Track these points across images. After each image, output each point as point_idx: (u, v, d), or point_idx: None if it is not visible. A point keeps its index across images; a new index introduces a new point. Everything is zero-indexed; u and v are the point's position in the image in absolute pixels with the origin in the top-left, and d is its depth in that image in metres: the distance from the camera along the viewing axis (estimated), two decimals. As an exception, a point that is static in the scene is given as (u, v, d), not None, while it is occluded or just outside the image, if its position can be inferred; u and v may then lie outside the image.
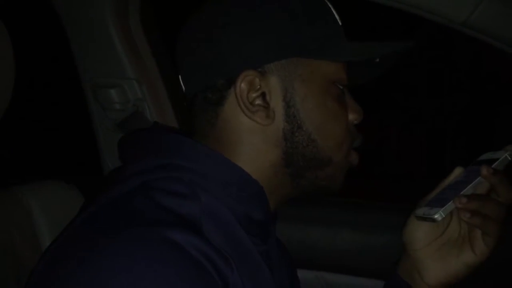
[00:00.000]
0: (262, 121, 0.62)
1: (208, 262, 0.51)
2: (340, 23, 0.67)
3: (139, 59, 1.12)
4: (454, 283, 0.68)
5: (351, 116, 0.69)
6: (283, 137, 0.64)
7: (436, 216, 0.62)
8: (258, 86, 0.62)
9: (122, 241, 0.49)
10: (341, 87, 0.67)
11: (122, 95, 1.11)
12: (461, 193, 0.63)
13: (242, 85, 0.62)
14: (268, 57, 0.62)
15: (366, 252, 1.21)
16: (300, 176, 0.66)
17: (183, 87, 0.69)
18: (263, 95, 0.63)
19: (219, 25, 0.63)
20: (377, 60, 0.69)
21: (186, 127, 0.70)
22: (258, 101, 0.63)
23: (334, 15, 0.67)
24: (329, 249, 1.22)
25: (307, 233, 1.26)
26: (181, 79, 0.69)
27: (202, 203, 0.58)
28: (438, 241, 0.69)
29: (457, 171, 0.69)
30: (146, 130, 0.70)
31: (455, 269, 0.67)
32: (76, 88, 1.19)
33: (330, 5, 0.68)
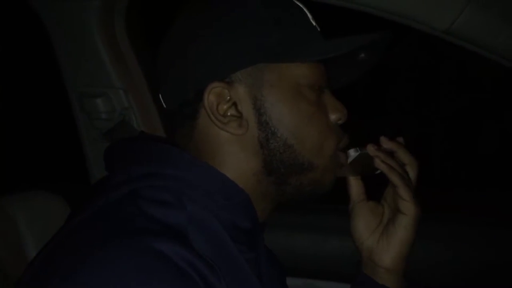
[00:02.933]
0: (235, 131, 0.62)
1: (195, 272, 0.50)
2: (314, 24, 0.66)
3: (125, 68, 1.12)
4: (406, 254, 0.71)
5: (333, 116, 0.67)
6: (259, 145, 0.63)
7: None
8: (228, 97, 0.62)
9: (108, 252, 0.49)
10: (317, 88, 0.66)
11: (108, 105, 1.10)
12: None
13: (210, 97, 0.61)
14: (233, 66, 0.62)
15: (356, 259, 1.21)
16: (284, 183, 0.66)
17: (163, 104, 0.69)
18: (235, 105, 0.62)
19: (187, 39, 0.64)
20: (360, 57, 0.68)
21: (172, 136, 0.70)
22: (231, 112, 0.62)
23: (306, 16, 0.66)
24: (318, 256, 1.23)
25: (296, 240, 1.26)
26: (161, 96, 0.69)
27: (188, 212, 0.58)
28: (379, 228, 0.74)
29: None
30: (132, 139, 0.70)
31: (399, 238, 0.70)
32: (62, 97, 1.18)
33: (302, 7, 0.67)
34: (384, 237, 0.72)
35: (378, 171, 0.70)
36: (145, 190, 0.58)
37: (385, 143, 0.72)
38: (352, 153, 0.70)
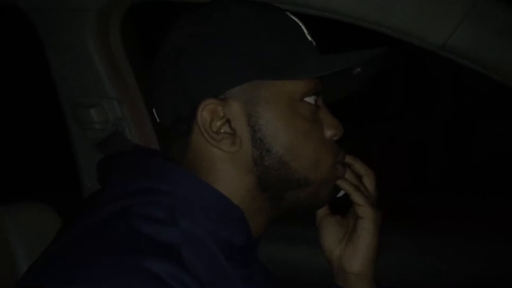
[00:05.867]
0: (228, 149, 0.61)
1: None
2: (309, 39, 0.66)
3: (119, 78, 1.11)
4: (373, 258, 0.74)
5: (329, 133, 0.67)
6: (253, 162, 0.62)
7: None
8: (222, 114, 0.61)
9: (99, 271, 0.48)
10: (313, 104, 0.65)
11: (102, 115, 1.09)
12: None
13: (204, 114, 0.60)
14: (228, 83, 0.61)
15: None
16: (279, 199, 0.65)
17: (157, 119, 0.68)
18: (229, 122, 0.61)
19: (180, 55, 0.63)
20: (355, 71, 0.67)
21: (167, 151, 0.70)
22: (224, 129, 0.61)
23: (301, 31, 0.66)
24: (313, 268, 1.22)
25: (290, 252, 1.25)
26: (155, 112, 0.68)
27: (181, 229, 0.57)
28: (345, 237, 0.76)
29: None
30: (126, 153, 0.69)
31: (363, 241, 0.73)
32: (54, 106, 1.18)
33: (298, 21, 0.66)
34: (350, 244, 0.74)
35: (341, 194, 0.74)
36: (137, 206, 0.57)
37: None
38: None
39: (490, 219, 1.30)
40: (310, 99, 0.65)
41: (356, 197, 0.72)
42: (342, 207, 0.80)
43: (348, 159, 0.75)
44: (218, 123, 0.61)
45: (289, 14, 0.67)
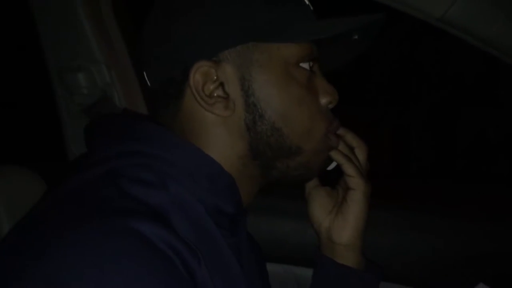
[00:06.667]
0: (221, 113, 0.60)
1: (175, 255, 0.48)
2: (307, 2, 0.64)
3: (109, 43, 1.08)
4: (362, 229, 0.74)
5: (324, 100, 0.66)
6: (245, 127, 0.61)
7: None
8: (215, 77, 0.59)
9: (85, 232, 0.47)
10: (309, 69, 0.64)
11: (90, 80, 1.06)
12: None
13: (196, 76, 0.59)
14: (221, 45, 0.59)
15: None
16: (270, 167, 0.64)
17: (148, 82, 0.66)
18: (222, 85, 0.60)
19: (172, 17, 0.61)
20: (353, 37, 0.67)
21: (155, 116, 0.68)
22: (217, 92, 0.60)
23: None
24: (299, 243, 1.22)
25: (277, 227, 1.25)
26: (145, 74, 0.66)
27: (171, 193, 0.55)
28: (335, 209, 0.76)
29: None
30: (115, 115, 0.68)
31: (353, 212, 0.73)
32: (41, 71, 1.14)
33: None
34: (339, 215, 0.74)
35: (332, 166, 0.73)
36: (126, 168, 0.56)
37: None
38: None
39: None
40: (305, 65, 0.63)
41: (348, 168, 0.71)
42: (331, 180, 0.80)
43: (340, 130, 0.74)
44: (211, 86, 0.59)
45: None
